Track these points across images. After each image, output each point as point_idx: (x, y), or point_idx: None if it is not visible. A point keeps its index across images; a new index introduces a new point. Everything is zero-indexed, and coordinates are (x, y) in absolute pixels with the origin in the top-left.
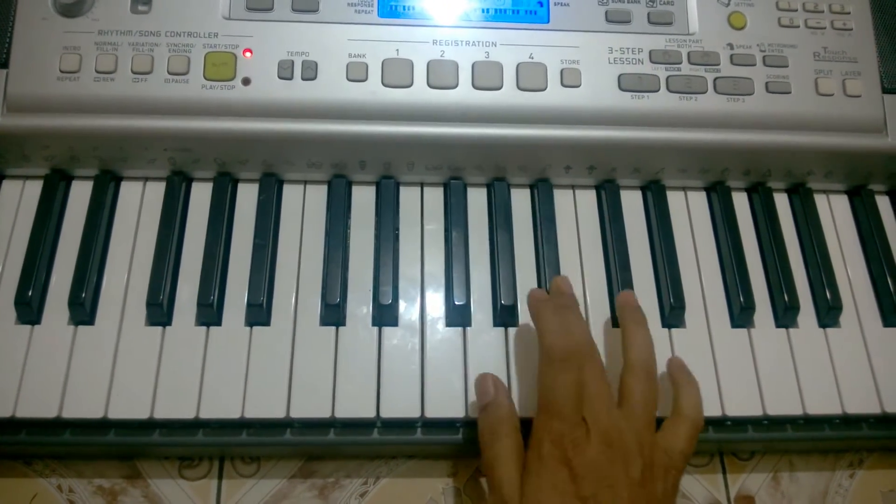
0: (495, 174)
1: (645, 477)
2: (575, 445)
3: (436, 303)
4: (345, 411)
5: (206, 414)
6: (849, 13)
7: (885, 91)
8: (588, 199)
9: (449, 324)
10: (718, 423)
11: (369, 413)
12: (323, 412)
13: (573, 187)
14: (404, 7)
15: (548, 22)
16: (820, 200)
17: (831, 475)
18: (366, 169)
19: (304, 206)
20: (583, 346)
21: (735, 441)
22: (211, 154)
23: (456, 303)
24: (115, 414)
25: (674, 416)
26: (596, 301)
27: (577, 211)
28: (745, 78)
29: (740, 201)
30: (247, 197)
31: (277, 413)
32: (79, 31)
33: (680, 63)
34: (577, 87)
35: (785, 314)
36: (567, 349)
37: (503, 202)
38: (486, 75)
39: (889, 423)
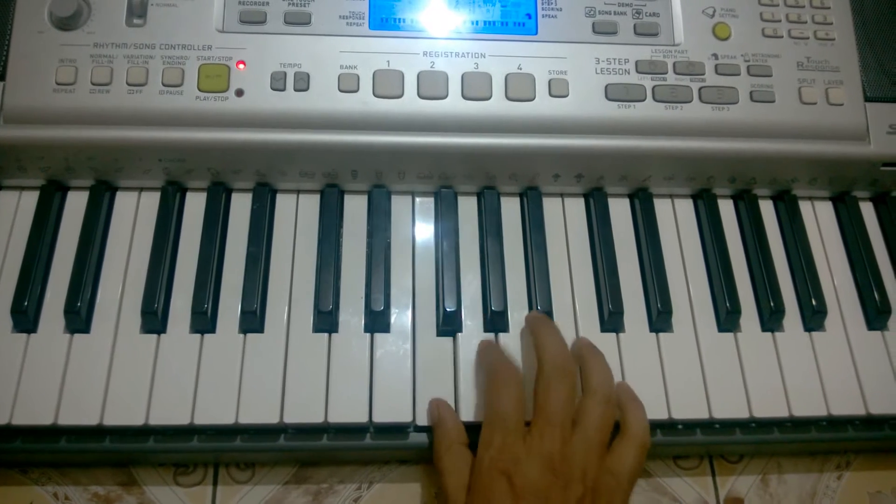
0: (485, 183)
1: (583, 502)
2: (515, 462)
3: (427, 309)
4: (337, 416)
5: (200, 420)
6: (831, 23)
7: (868, 99)
8: (577, 206)
9: (440, 330)
10: (706, 425)
11: (362, 418)
12: (316, 417)
13: (562, 195)
14: (395, 19)
15: (536, 34)
16: (805, 207)
17: (819, 477)
18: (358, 178)
19: (296, 215)
20: (557, 363)
21: (723, 444)
22: (205, 164)
23: (447, 309)
24: (110, 421)
25: (621, 436)
26: (585, 307)
27: (565, 218)
28: (730, 87)
29: (726, 208)
30: (240, 206)
31: (271, 419)
32: (75, 44)
33: (665, 73)
34: (565, 97)
35: (770, 318)
36: (508, 376)
37: (493, 210)
38: (475, 86)
39: (875, 425)
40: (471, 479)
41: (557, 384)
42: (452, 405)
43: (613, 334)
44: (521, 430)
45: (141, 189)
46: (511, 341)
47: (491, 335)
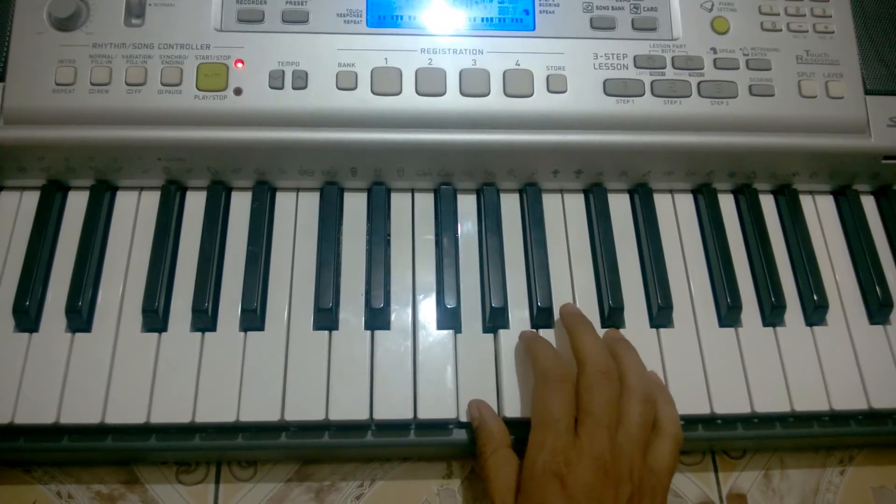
0: (484, 179)
1: (633, 501)
2: (568, 463)
3: (427, 306)
4: (339, 414)
5: (201, 418)
6: (830, 16)
7: (868, 92)
8: (576, 202)
9: (440, 327)
10: (708, 421)
11: (363, 415)
12: (317, 415)
13: (561, 191)
14: (392, 17)
15: (533, 29)
16: (805, 201)
17: (822, 472)
18: (357, 176)
19: (296, 213)
20: (601, 366)
21: (726, 439)
22: (204, 163)
23: (447, 306)
24: (112, 419)
25: (656, 434)
26: (585, 303)
27: (565, 214)
28: (729, 81)
29: (727, 203)
30: (240, 205)
31: (272, 416)
32: (74, 45)
33: (664, 68)
34: (563, 92)
35: (772, 313)
36: (559, 373)
37: (493, 207)
38: (473, 82)
39: (877, 420)
40: (521, 482)
41: (601, 386)
42: (453, 402)
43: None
44: (572, 431)
45: (141, 188)
46: (510, 338)
47: (489, 335)
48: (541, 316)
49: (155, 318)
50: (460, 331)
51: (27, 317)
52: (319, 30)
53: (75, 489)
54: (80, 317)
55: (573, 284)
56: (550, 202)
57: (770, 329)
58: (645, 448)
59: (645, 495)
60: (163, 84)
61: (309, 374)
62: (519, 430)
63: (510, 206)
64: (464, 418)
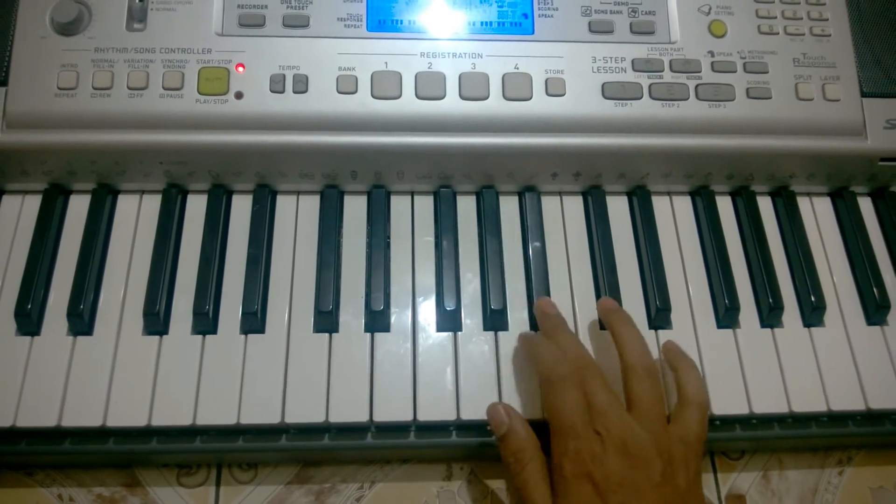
0: (484, 182)
1: (666, 475)
2: (593, 459)
3: (427, 308)
4: (339, 416)
5: (202, 421)
6: (827, 19)
7: (864, 95)
8: (575, 205)
9: (440, 329)
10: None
11: (363, 417)
12: (317, 417)
13: (560, 194)
14: (392, 21)
15: (532, 33)
16: (803, 203)
17: (820, 473)
18: (357, 179)
19: (297, 216)
20: (578, 361)
21: (724, 440)
22: (205, 166)
23: (447, 308)
24: (113, 422)
25: (681, 403)
26: (584, 305)
27: (564, 217)
28: (727, 84)
29: (724, 205)
30: (241, 208)
31: (273, 419)
32: (76, 49)
33: (662, 71)
34: (562, 95)
35: (770, 314)
36: (562, 371)
37: (492, 209)
38: (472, 86)
39: (875, 420)
40: (554, 487)
41: (590, 379)
42: (453, 404)
43: None
44: (590, 427)
45: (142, 192)
46: (510, 339)
47: (491, 334)
48: None
49: (156, 321)
50: (460, 332)
51: (29, 320)
52: (320, 34)
53: (76, 492)
54: (81, 320)
55: (571, 286)
56: (549, 204)
57: (768, 330)
58: (665, 421)
59: (678, 466)
60: (164, 88)
61: (309, 376)
62: None
63: (509, 208)
64: (464, 417)
